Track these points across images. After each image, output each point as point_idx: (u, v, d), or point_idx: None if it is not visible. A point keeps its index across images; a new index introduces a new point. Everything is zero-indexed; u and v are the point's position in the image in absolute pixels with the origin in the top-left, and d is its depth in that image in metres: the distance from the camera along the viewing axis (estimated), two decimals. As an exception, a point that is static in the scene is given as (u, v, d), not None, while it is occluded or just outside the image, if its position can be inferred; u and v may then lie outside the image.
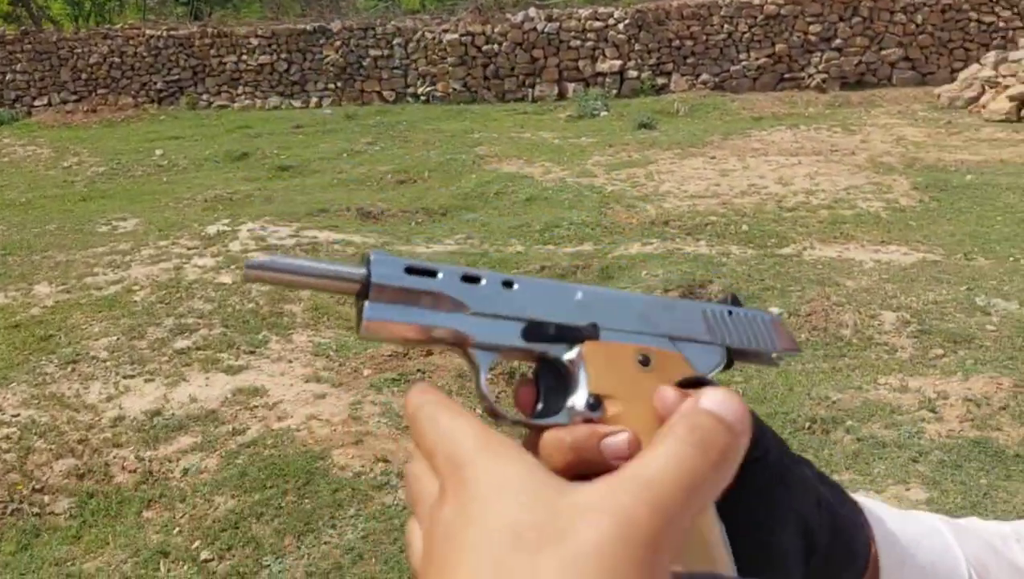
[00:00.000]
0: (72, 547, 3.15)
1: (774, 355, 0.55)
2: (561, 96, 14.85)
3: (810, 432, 3.72)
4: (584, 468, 0.41)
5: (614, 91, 14.59)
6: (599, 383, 0.46)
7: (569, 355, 0.47)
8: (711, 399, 0.36)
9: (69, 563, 3.03)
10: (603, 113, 13.17)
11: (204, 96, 16.59)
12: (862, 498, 0.56)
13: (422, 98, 15.58)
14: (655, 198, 8.01)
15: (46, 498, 3.47)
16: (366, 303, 0.46)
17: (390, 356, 4.64)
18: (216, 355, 4.75)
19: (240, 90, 16.46)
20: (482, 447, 0.35)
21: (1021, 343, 4.44)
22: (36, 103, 16.41)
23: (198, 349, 4.87)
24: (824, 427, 3.73)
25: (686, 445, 0.34)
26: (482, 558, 0.30)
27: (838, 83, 14.02)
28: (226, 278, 6.17)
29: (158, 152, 12.25)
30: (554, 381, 0.48)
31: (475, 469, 0.34)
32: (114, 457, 3.73)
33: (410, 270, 0.47)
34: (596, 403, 0.45)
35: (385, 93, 15.81)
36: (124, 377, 4.51)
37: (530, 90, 15.14)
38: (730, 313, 0.54)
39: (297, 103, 16.18)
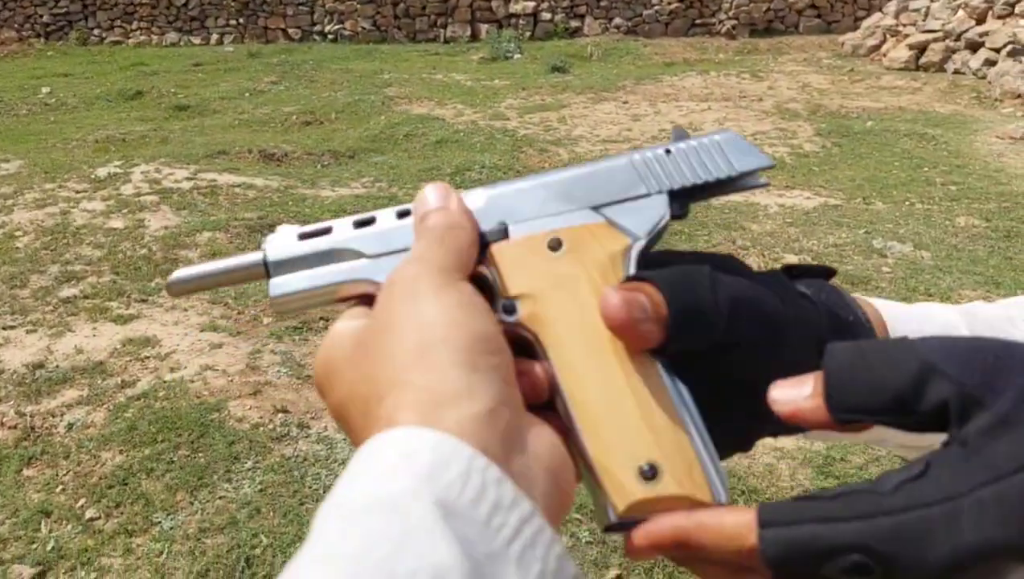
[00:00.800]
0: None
1: (737, 177, 0.47)
2: (474, 37, 14.55)
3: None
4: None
5: (527, 33, 14.37)
6: (510, 284, 0.44)
7: (480, 267, 0.44)
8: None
9: (-60, 527, 2.83)
10: (516, 56, 12.97)
11: (96, 31, 15.62)
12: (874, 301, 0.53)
13: (329, 37, 15.03)
14: (567, 142, 7.94)
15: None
16: (269, 282, 0.46)
17: (292, 303, 4.48)
18: (105, 304, 4.49)
19: (135, 25, 15.55)
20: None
21: (914, 284, 4.59)
22: (-95, 34, 15.14)
23: (85, 297, 4.60)
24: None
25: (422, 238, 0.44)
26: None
27: (747, 30, 14.15)
28: (117, 223, 5.84)
29: (45, 90, 11.49)
30: None
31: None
32: (-9, 413, 3.49)
33: (304, 236, 0.47)
34: (511, 307, 0.43)
35: (291, 31, 15.18)
36: (4, 328, 4.23)
37: (442, 31, 14.78)
38: (667, 152, 0.48)
39: (197, 40, 15.40)
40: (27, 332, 4.19)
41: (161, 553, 2.61)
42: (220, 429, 3.21)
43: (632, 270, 0.44)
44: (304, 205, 6.29)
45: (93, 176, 7.02)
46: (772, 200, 6.18)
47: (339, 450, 3.12)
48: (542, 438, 0.37)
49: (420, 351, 0.36)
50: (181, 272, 0.48)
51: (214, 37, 15.36)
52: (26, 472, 3.10)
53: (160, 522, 2.74)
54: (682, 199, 0.47)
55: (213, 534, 2.68)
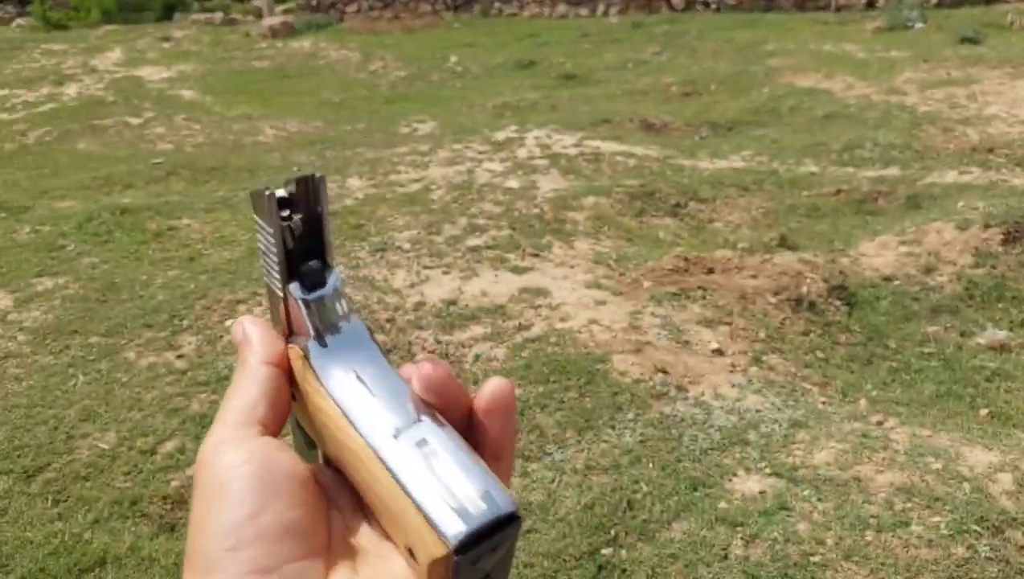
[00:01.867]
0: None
1: None
2: (870, 5, 13.49)
3: None
4: None
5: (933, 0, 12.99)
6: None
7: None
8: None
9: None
10: (918, 24, 11.81)
11: (496, 3, 17.06)
12: None
13: (712, 6, 14.89)
14: (978, 122, 7.11)
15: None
16: None
17: (671, 270, 4.62)
18: (504, 255, 5.00)
19: (529, -2, 16.71)
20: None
21: None
22: (348, 9, 17.82)
23: (488, 248, 5.15)
24: None
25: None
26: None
27: None
28: (513, 183, 6.42)
29: (453, 58, 12.86)
30: None
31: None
32: (416, 337, 4.09)
33: None
34: None
35: (674, 1, 15.30)
36: (424, 268, 4.90)
37: (833, -2, 13.91)
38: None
39: (584, 11, 16.15)
40: (442, 273, 4.82)
41: (553, 481, 2.89)
42: (605, 379, 3.45)
43: None
44: (683, 176, 6.39)
45: (492, 139, 7.77)
46: None
47: (716, 417, 3.19)
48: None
49: (209, 564, 0.39)
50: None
51: (600, 8, 16.01)
52: (442, 391, 3.60)
53: (552, 453, 3.04)
54: None
55: (598, 473, 2.91)
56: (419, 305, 4.42)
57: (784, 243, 5.15)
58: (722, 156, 6.88)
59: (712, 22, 13.87)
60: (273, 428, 0.45)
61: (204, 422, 3.43)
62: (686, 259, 4.74)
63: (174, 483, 3.08)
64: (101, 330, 4.27)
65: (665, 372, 3.51)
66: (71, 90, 11.06)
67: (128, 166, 7.30)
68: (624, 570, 2.54)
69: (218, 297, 4.56)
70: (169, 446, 3.30)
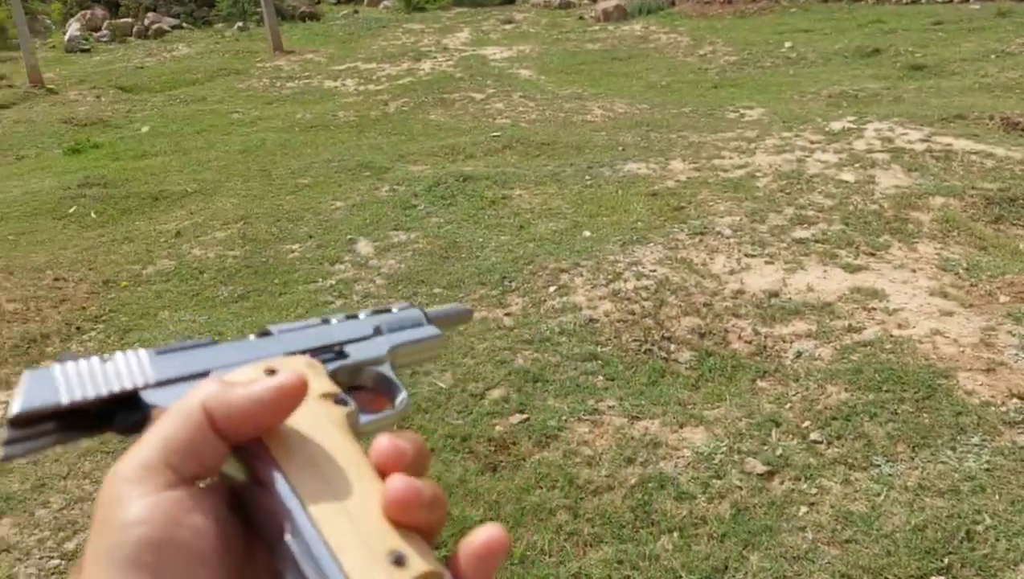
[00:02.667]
0: (691, 394, 3.53)
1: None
2: None
3: None
4: None
5: None
6: None
7: None
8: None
9: (690, 406, 3.41)
10: None
11: (838, -12, 16.02)
12: None
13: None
14: None
15: (672, 346, 3.93)
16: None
17: (1034, 286, 4.09)
18: (834, 250, 4.73)
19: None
20: None
21: None
22: (681, -5, 17.72)
23: (816, 241, 4.91)
24: None
25: None
26: None
27: None
28: (848, 176, 6.04)
29: (787, 44, 12.32)
30: None
31: None
32: (732, 325, 4.03)
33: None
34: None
35: (1057, -16, 13.34)
36: (745, 255, 4.79)
37: None
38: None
39: (942, -4, 14.65)
40: (765, 263, 4.68)
41: (879, 494, 2.72)
42: (948, 396, 3.15)
43: None
44: (1056, 182, 5.60)
45: (827, 129, 7.35)
46: None
47: None
48: None
49: None
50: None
51: (962, -7, 14.41)
52: (760, 383, 3.52)
53: (879, 465, 2.85)
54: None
55: (932, 495, 2.68)
56: (738, 293, 4.34)
57: None
58: (1109, 163, 5.92)
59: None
60: (189, 478, 0.40)
61: (527, 377, 3.67)
62: (1054, 276, 4.16)
63: (498, 428, 3.33)
64: (443, 282, 4.72)
65: (1021, 398, 3.12)
66: (426, 66, 12.22)
67: (471, 138, 7.92)
68: (957, 603, 2.33)
69: (544, 264, 4.83)
70: (495, 394, 3.58)
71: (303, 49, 14.48)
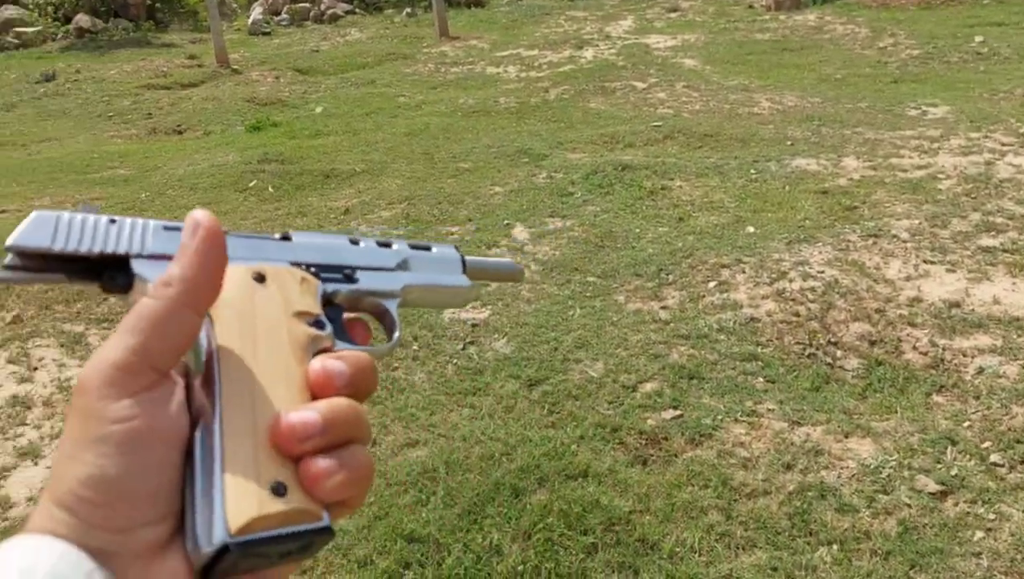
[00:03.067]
0: (858, 403, 3.35)
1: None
2: None
3: None
4: None
5: None
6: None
7: None
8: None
9: (856, 416, 3.24)
10: None
11: (1040, -23, 14.68)
12: None
13: None
14: None
15: (838, 352, 3.74)
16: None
17: None
18: (1026, 261, 4.36)
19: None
20: None
21: None
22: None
23: (1004, 251, 4.54)
24: None
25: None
26: None
27: None
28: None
29: (978, 39, 11.42)
30: None
31: None
32: (907, 335, 3.79)
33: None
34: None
35: None
36: (924, 261, 4.49)
37: None
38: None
39: None
40: (946, 270, 4.37)
41: (1070, 529, 2.48)
42: None
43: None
44: None
45: (1021, 131, 6.77)
46: None
47: None
48: None
49: (63, 505, 0.40)
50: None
51: None
52: (935, 398, 3.29)
53: (1072, 498, 2.60)
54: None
55: None
56: (914, 300, 4.08)
57: None
58: None
59: None
60: (167, 372, 0.44)
61: (682, 373, 3.60)
62: None
63: (650, 422, 3.29)
64: (597, 272, 4.70)
65: None
66: (588, 54, 12.18)
67: (630, 127, 7.84)
68: None
69: (703, 258, 4.72)
70: (648, 387, 3.53)
71: (468, 35, 14.78)
